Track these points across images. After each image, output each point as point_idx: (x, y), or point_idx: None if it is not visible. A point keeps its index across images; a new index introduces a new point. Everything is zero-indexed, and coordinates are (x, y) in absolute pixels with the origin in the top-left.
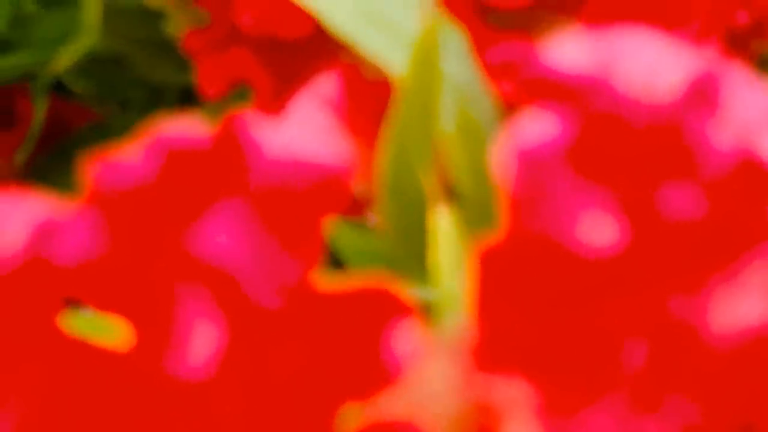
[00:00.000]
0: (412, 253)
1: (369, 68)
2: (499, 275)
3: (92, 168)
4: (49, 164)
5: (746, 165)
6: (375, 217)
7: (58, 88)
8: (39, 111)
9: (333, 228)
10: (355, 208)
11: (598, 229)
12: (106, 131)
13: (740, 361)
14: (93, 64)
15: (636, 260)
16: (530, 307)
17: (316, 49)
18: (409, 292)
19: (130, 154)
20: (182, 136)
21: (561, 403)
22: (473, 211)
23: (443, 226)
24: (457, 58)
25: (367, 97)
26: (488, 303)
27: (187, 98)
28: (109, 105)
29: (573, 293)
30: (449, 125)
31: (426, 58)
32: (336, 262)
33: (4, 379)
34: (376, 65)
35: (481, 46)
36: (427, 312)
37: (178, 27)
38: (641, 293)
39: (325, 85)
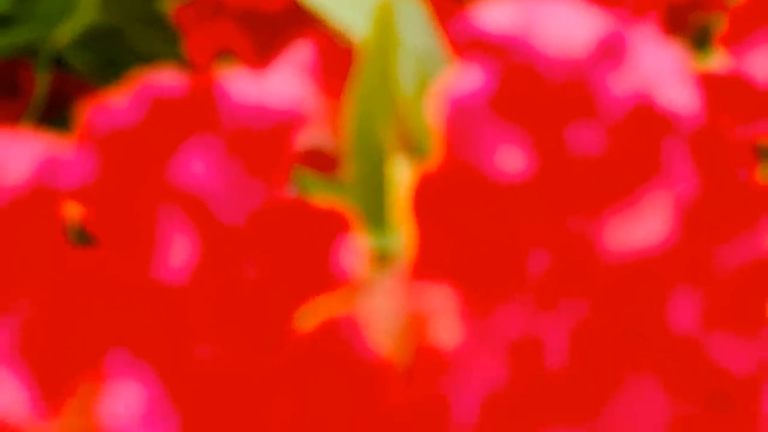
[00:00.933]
0: (375, 203)
1: (341, 37)
2: (429, 199)
3: (87, 111)
4: (51, 133)
5: (643, 109)
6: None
7: (59, 62)
8: (41, 83)
9: (305, 180)
10: (329, 164)
11: (512, 160)
12: None
13: (630, 273)
14: (91, 39)
15: (542, 186)
16: (455, 225)
17: (294, 19)
18: (370, 237)
19: (118, 100)
20: (163, 84)
21: (479, 305)
22: (430, 163)
23: (401, 178)
24: (417, 26)
25: (339, 63)
26: (421, 222)
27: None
28: (107, 78)
29: (490, 213)
30: (409, 87)
31: (384, 25)
32: None
33: (15, 283)
34: (343, 33)
35: (442, 15)
36: (387, 255)
37: (171, 3)
38: (546, 214)
39: (300, 52)
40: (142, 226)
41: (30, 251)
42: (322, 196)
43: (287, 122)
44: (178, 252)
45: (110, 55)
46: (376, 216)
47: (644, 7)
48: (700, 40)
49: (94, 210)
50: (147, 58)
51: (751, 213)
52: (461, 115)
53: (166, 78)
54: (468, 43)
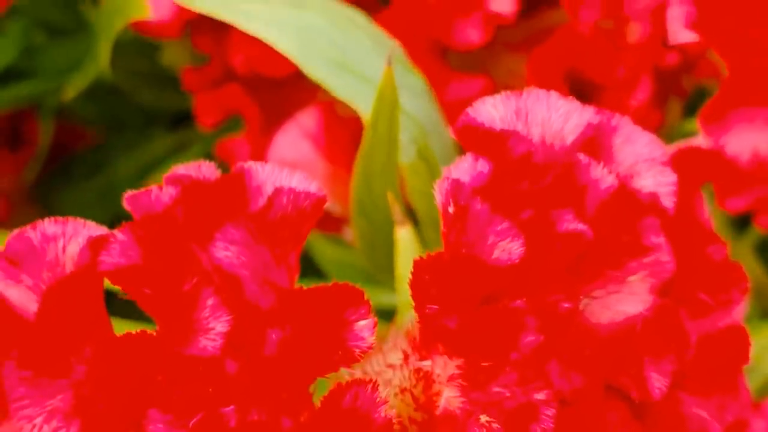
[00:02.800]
0: (380, 265)
1: (344, 105)
2: (429, 280)
3: (129, 198)
4: (54, 181)
5: (623, 197)
6: (350, 234)
7: (61, 111)
8: (45, 134)
9: (315, 243)
10: (335, 226)
11: (504, 247)
12: (106, 151)
13: (613, 343)
14: (95, 91)
15: (532, 269)
16: (453, 304)
17: (299, 86)
18: (378, 297)
19: (158, 188)
20: (198, 173)
21: (477, 375)
22: (429, 231)
23: (405, 243)
24: (417, 97)
25: (342, 130)
26: (421, 301)
27: (178, 121)
28: (108, 127)
29: (485, 292)
30: (409, 157)
31: (387, 99)
32: (318, 272)
33: (70, 349)
34: (347, 104)
35: (440, 85)
36: (392, 313)
37: (173, 58)
38: (536, 293)
39: (306, 119)
40: (181, 303)
41: (79, 324)
42: (327, 254)
43: (308, 207)
44: (213, 328)
45: (115, 108)
46: (382, 274)
47: (635, 73)
48: (696, 103)
49: (138, 288)
50: (147, 110)
51: (722, 287)
52: (459, 203)
53: (199, 167)
54: (466, 135)
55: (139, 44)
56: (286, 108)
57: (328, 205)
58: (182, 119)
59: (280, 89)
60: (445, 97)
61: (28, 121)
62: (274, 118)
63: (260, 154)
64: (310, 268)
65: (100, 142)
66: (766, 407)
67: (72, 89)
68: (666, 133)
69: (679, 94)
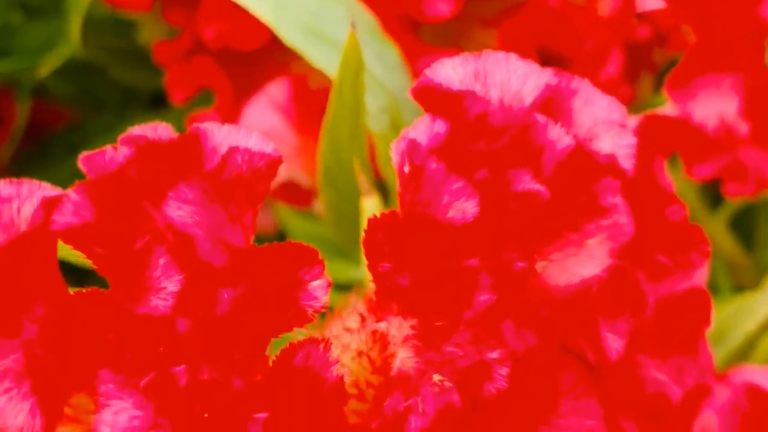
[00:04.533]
0: (348, 237)
1: (316, 77)
2: (382, 240)
3: (83, 159)
4: (31, 160)
5: (581, 156)
6: (319, 205)
7: (39, 90)
8: (22, 112)
9: (286, 217)
10: (305, 199)
11: (458, 206)
12: (83, 130)
13: (569, 304)
14: (72, 69)
15: (487, 227)
16: (407, 263)
17: (270, 59)
18: (346, 271)
19: (112, 149)
20: (154, 134)
21: (431, 334)
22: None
23: (371, 214)
24: (390, 68)
25: (313, 102)
26: (374, 261)
27: (157, 101)
28: (86, 106)
29: (439, 252)
30: (380, 126)
31: (351, 64)
32: None
33: (20, 311)
34: (321, 71)
35: (411, 59)
36: (358, 284)
37: (149, 36)
38: (491, 252)
39: (275, 91)
40: (133, 262)
41: (32, 284)
42: (298, 228)
43: (263, 167)
44: (165, 287)
45: (89, 85)
46: (349, 247)
47: (605, 46)
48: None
49: (91, 247)
50: (124, 88)
51: (681, 249)
52: (415, 163)
53: (155, 128)
54: (425, 95)
55: (115, 22)
56: (257, 81)
57: (298, 177)
58: (160, 99)
59: (251, 63)
60: (416, 70)
61: (5, 100)
62: (246, 91)
63: None
64: None
65: (78, 122)
66: (731, 377)
67: (46, 67)
68: (637, 108)
69: (650, 69)
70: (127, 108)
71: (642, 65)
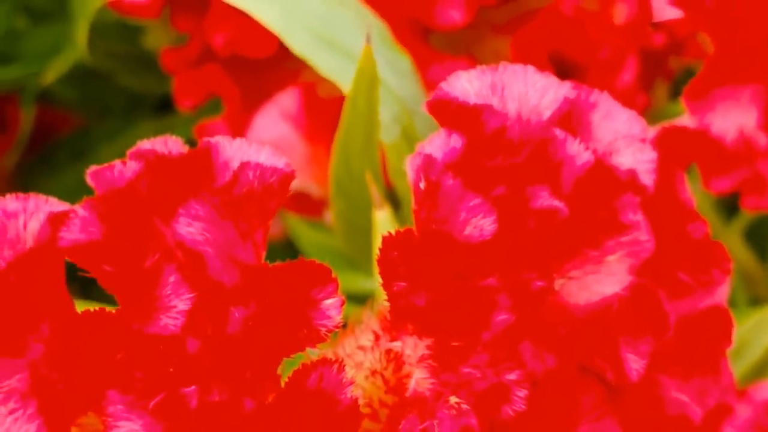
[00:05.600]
0: (359, 248)
1: (326, 86)
2: (398, 257)
3: (92, 173)
4: (36, 166)
5: (600, 172)
6: (330, 216)
7: (44, 96)
8: (27, 118)
9: (296, 227)
10: (316, 210)
11: (476, 223)
12: (88, 136)
13: (588, 323)
14: (77, 76)
15: (505, 245)
16: (423, 281)
17: (280, 68)
18: (357, 282)
19: (121, 163)
20: (164, 148)
21: (448, 355)
22: (410, 214)
23: (383, 226)
24: (402, 76)
25: (323, 112)
26: (389, 278)
27: (163, 107)
28: (92, 112)
29: (456, 270)
30: (391, 136)
31: (366, 75)
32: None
33: (26, 330)
34: (331, 81)
35: (422, 67)
36: (370, 297)
37: (156, 42)
38: (509, 271)
39: (286, 100)
40: (142, 280)
41: (38, 302)
42: (308, 239)
43: (275, 183)
44: (175, 306)
45: (98, 93)
46: (360, 258)
47: (620, 54)
48: (683, 85)
49: (99, 265)
50: (131, 94)
51: (703, 267)
52: (430, 180)
53: (165, 142)
54: (440, 109)
55: (121, 27)
56: (266, 90)
57: (308, 187)
58: (167, 105)
59: (260, 71)
60: (427, 79)
61: (10, 106)
62: (255, 100)
63: (240, 136)
64: (293, 254)
65: (84, 128)
66: (752, 393)
67: (52, 73)
68: (652, 116)
69: (665, 77)
70: (133, 114)
71: (657, 73)
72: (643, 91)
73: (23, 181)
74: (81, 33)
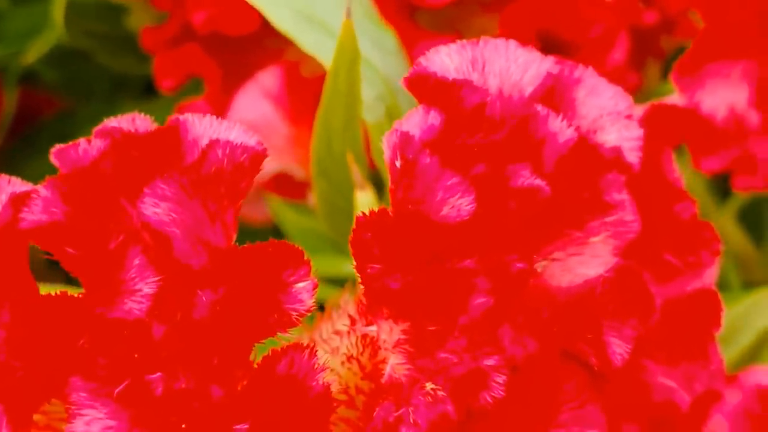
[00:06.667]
0: (341, 230)
1: (309, 65)
2: (372, 238)
3: (56, 152)
4: (19, 149)
5: (584, 150)
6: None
7: (28, 79)
8: (10, 100)
9: (279, 210)
10: (299, 192)
11: (453, 203)
12: (73, 119)
13: (571, 307)
14: (60, 57)
15: (484, 226)
16: (398, 264)
17: (262, 47)
18: (340, 266)
19: (86, 142)
20: (131, 126)
21: (424, 340)
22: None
23: (365, 208)
24: (387, 54)
25: (306, 91)
26: (363, 260)
27: (149, 89)
28: (76, 95)
29: (433, 252)
30: (375, 116)
31: (347, 51)
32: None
33: None
34: (314, 59)
35: (408, 45)
36: (353, 281)
37: (138, 22)
38: (488, 253)
39: (267, 79)
40: (106, 263)
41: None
42: (291, 222)
43: (246, 161)
44: (140, 289)
45: (79, 73)
46: (343, 241)
47: (611, 32)
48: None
49: (61, 246)
50: (115, 76)
51: (691, 248)
52: (407, 156)
53: (132, 119)
54: (419, 85)
55: (102, 7)
56: (248, 69)
57: (291, 169)
58: (152, 87)
59: (242, 50)
60: (413, 57)
61: None
62: (236, 80)
63: (221, 117)
64: (279, 238)
65: (68, 111)
66: (742, 379)
67: (33, 53)
68: (644, 96)
69: (657, 56)
70: (118, 96)
71: (649, 52)
72: (634, 71)
73: (6, 164)
74: (58, 12)
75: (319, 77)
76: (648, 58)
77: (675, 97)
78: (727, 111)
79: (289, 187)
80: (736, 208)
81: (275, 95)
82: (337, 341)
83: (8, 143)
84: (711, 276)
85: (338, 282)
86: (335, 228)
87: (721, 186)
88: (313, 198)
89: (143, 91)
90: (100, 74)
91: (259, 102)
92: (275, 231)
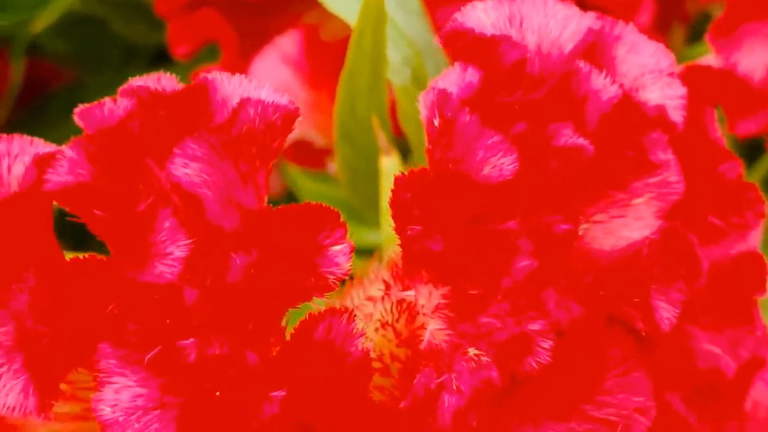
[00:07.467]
0: (364, 198)
1: (329, 28)
2: (411, 200)
3: (81, 112)
4: (28, 121)
5: (628, 109)
6: (334, 168)
7: (36, 49)
8: (17, 70)
9: (297, 178)
10: (318, 160)
11: (495, 162)
12: (83, 89)
13: (615, 270)
14: (69, 25)
15: (526, 186)
16: (438, 226)
17: (280, 9)
18: (362, 235)
19: (112, 101)
20: (157, 85)
21: (465, 305)
22: (421, 161)
23: (390, 174)
24: (412, 16)
25: (326, 55)
26: (402, 223)
27: (160, 57)
28: (85, 65)
29: (474, 214)
30: (402, 79)
31: (373, 10)
32: None
33: (11, 280)
34: (335, 21)
35: (432, 7)
36: (377, 250)
37: None
38: (530, 214)
39: (286, 44)
40: (135, 225)
41: (22, 249)
42: (310, 191)
43: (278, 120)
44: (171, 252)
45: (89, 42)
46: (366, 209)
47: None
48: (700, 29)
49: (88, 208)
50: (126, 45)
51: (736, 209)
52: (445, 115)
53: (158, 78)
54: (455, 42)
55: None
56: (266, 34)
57: (310, 136)
58: (163, 57)
59: (259, 14)
60: (436, 21)
61: (0, 60)
62: (254, 45)
63: None
64: None
65: (77, 81)
66: None
67: (42, 20)
68: None
69: (682, 20)
70: (128, 66)
71: (674, 15)
72: (659, 34)
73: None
74: None
75: (339, 41)
76: (673, 21)
77: (710, 59)
78: (765, 71)
79: (307, 155)
80: (763, 174)
81: (294, 60)
82: (370, 307)
83: (16, 114)
84: (755, 238)
85: (360, 252)
86: (358, 194)
87: (748, 150)
88: (333, 165)
89: (155, 60)
90: (110, 43)
91: (277, 67)
92: (290, 202)
